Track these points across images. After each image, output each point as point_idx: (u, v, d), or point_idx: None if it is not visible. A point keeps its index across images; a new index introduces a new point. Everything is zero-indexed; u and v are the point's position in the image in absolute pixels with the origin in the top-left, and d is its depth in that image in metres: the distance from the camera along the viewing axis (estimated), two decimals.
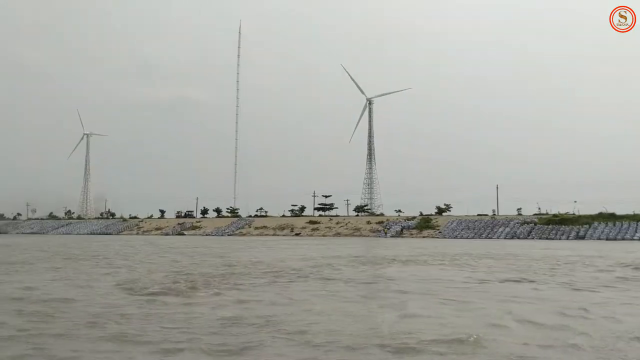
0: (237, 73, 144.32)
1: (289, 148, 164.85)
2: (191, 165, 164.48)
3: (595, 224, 69.95)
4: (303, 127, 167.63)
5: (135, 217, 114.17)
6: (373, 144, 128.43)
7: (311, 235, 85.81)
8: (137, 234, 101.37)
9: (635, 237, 63.92)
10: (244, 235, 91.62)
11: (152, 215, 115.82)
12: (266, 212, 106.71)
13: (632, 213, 71.71)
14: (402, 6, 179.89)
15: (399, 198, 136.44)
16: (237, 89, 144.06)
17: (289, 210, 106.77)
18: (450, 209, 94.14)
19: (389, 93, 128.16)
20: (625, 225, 67.63)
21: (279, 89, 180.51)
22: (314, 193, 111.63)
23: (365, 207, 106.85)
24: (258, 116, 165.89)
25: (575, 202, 79.66)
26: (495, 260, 26.72)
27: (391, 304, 12.52)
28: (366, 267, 22.44)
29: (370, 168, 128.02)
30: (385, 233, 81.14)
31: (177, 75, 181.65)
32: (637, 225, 66.95)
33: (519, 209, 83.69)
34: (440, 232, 78.45)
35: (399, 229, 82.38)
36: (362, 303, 13.12)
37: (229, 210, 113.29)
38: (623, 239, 64.29)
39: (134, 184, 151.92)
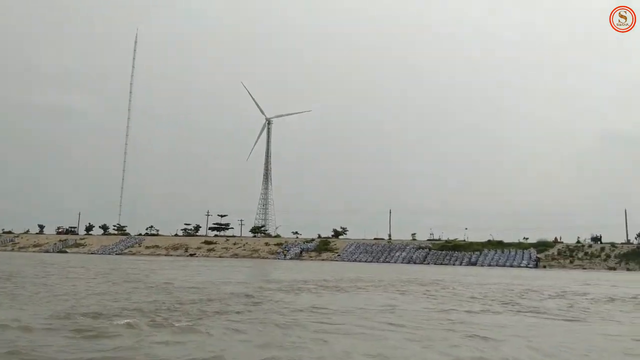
0: (131, 84, 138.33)
1: (183, 165, 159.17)
2: (73, 177, 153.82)
3: (486, 250, 73.50)
4: (198, 144, 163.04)
5: (9, 232, 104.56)
6: (270, 164, 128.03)
7: (207, 256, 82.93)
8: (12, 250, 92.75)
9: (522, 265, 67.77)
10: (134, 254, 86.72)
11: (28, 230, 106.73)
12: (157, 230, 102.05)
13: (518, 241, 76.20)
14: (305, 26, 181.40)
15: (295, 219, 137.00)
16: (130, 100, 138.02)
17: (182, 230, 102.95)
18: (347, 232, 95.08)
19: (289, 114, 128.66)
20: (513, 252, 71.62)
21: (175, 102, 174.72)
22: (208, 212, 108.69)
23: (262, 228, 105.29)
24: (151, 130, 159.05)
25: (466, 229, 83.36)
26: (425, 285, 26.64)
27: None
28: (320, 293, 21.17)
29: (267, 188, 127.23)
30: (285, 255, 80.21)
31: (59, 81, 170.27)
32: (522, 253, 71.07)
33: (413, 234, 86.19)
34: (339, 255, 78.85)
35: (298, 251, 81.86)
36: None
37: (116, 228, 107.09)
38: (511, 265, 67.95)
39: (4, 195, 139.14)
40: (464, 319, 13.74)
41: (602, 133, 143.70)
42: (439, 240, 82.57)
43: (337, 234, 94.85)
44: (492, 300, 19.32)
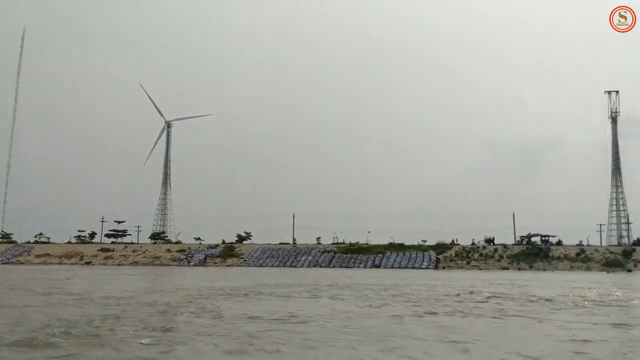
0: (17, 82, 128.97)
1: (75, 170, 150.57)
2: None
3: (388, 253, 75.79)
4: (92, 147, 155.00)
5: None
6: (170, 168, 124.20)
7: (104, 265, 79.04)
8: None
9: (422, 266, 70.53)
10: (23, 263, 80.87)
11: None
12: (48, 238, 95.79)
13: (418, 244, 79.30)
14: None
15: (197, 225, 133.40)
16: (16, 100, 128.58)
17: (75, 237, 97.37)
18: (251, 237, 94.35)
19: (190, 117, 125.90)
20: (414, 255, 74.37)
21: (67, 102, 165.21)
22: (103, 218, 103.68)
23: (162, 235, 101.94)
24: (39, 133, 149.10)
25: (369, 232, 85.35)
26: (359, 290, 26.97)
27: None
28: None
29: (165, 193, 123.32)
30: (188, 262, 78.18)
31: None
32: (423, 255, 74.01)
33: (318, 238, 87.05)
34: (245, 260, 78.03)
35: (202, 257, 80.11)
36: None
37: (0, 236, 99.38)
38: (413, 267, 70.53)
39: None
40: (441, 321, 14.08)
41: (486, 141, 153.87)
42: (343, 243, 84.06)
43: (241, 239, 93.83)
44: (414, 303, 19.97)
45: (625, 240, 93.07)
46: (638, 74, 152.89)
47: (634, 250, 68.99)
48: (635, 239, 79.06)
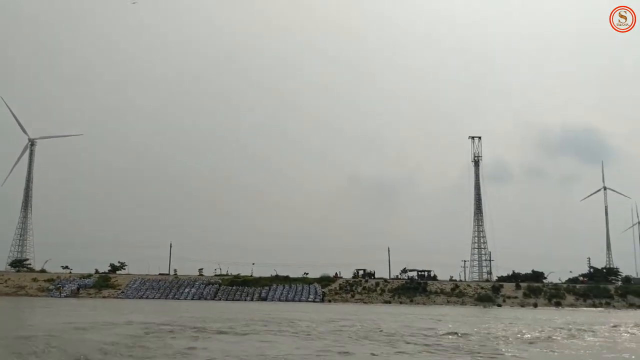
0: None
1: None
2: None
3: (274, 285, 75.68)
4: None
5: None
6: (31, 189, 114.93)
7: None
8: None
9: (309, 299, 71.33)
10: None
11: None
12: None
13: (302, 276, 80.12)
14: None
15: (62, 253, 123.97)
16: None
17: None
18: (126, 266, 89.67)
19: (58, 136, 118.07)
20: (300, 287, 74.93)
21: None
22: None
23: (25, 262, 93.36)
24: None
25: (253, 264, 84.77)
26: (295, 325, 26.82)
27: None
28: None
29: (26, 217, 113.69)
30: (60, 292, 72.39)
31: None
32: (309, 288, 74.82)
33: (200, 270, 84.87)
34: (123, 292, 73.83)
35: (74, 287, 74.62)
36: None
37: None
38: (300, 300, 71.10)
39: None
40: None
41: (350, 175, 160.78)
42: (227, 275, 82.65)
43: (115, 268, 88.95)
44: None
45: (486, 276, 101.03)
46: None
47: (502, 286, 75.04)
48: (500, 275, 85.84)
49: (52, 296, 71.22)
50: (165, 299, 71.49)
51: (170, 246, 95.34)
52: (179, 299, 71.39)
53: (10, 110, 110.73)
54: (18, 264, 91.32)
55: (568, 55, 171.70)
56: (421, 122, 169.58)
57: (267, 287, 75.19)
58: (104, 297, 71.98)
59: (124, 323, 26.24)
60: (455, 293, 73.07)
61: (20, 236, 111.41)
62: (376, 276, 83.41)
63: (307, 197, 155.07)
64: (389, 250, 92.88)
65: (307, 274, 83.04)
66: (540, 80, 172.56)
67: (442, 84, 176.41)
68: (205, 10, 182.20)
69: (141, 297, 71.77)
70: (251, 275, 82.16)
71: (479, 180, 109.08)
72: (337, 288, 75.53)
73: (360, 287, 75.71)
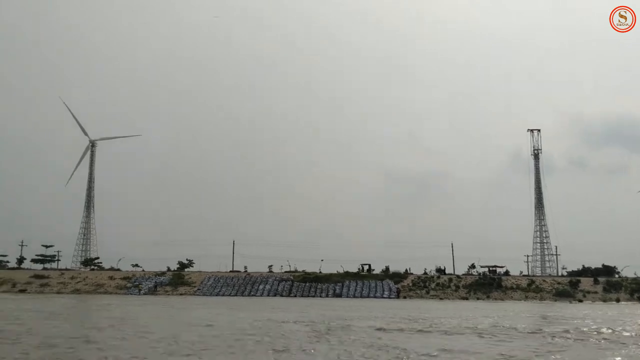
0: None
1: None
2: None
3: (346, 282, 75.78)
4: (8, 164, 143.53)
5: None
6: (94, 189, 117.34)
7: (41, 292, 73.02)
8: None
9: (384, 295, 71.28)
10: None
11: None
12: None
13: (371, 273, 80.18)
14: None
15: (124, 251, 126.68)
16: None
17: None
18: (193, 264, 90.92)
19: (116, 137, 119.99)
20: (373, 284, 74.90)
21: None
22: (22, 242, 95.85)
23: (96, 260, 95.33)
24: None
25: (322, 260, 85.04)
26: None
27: None
28: None
29: (88, 217, 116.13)
30: (139, 290, 73.88)
31: None
32: (382, 284, 74.73)
33: (270, 266, 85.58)
34: (199, 289, 74.91)
35: (151, 285, 76.01)
36: None
37: None
38: (374, 296, 71.07)
39: None
40: None
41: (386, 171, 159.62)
42: (296, 272, 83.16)
43: (183, 266, 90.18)
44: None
45: (561, 271, 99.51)
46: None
47: (579, 281, 73.77)
48: (578, 268, 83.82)
49: (130, 294, 72.71)
50: (241, 295, 72.29)
51: (233, 244, 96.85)
52: (254, 295, 72.09)
53: (72, 113, 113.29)
54: (89, 263, 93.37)
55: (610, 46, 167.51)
56: (460, 115, 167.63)
57: (339, 284, 75.36)
58: (180, 294, 73.11)
59: (288, 321, 26.53)
60: (532, 288, 72.17)
61: (84, 235, 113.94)
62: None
63: (345, 193, 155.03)
64: (452, 247, 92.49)
65: (373, 269, 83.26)
66: (583, 71, 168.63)
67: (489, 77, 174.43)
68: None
69: (217, 294, 72.67)
70: (320, 272, 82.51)
71: (539, 173, 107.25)
72: (411, 284, 75.29)
73: (433, 283, 75.36)
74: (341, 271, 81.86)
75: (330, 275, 79.43)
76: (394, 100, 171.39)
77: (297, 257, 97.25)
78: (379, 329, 22.49)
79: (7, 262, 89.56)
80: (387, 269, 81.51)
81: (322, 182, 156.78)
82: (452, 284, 74.62)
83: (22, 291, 73.74)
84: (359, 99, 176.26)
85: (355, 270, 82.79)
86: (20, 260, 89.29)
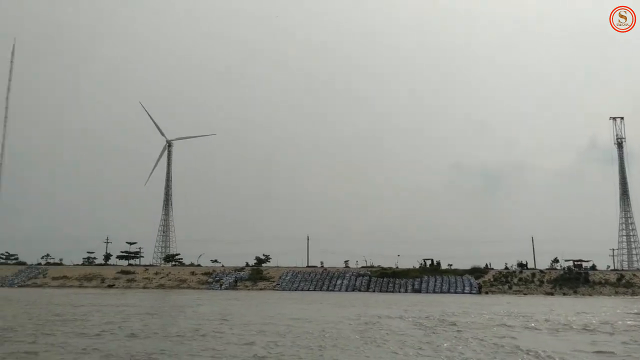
0: (7, 99, 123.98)
1: (67, 188, 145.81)
2: None
3: (426, 277, 74.82)
4: (87, 164, 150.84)
5: None
6: (171, 188, 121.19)
7: (128, 287, 76.05)
8: None
9: (465, 291, 69.87)
10: (40, 286, 77.10)
11: None
12: (61, 259, 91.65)
13: (451, 268, 78.84)
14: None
15: (203, 247, 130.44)
16: (6, 117, 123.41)
17: (85, 259, 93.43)
18: (270, 259, 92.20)
19: (192, 137, 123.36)
20: (452, 279, 73.59)
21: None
22: (107, 239, 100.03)
23: (177, 256, 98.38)
24: (31, 151, 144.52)
25: (398, 255, 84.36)
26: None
27: None
28: None
29: (167, 214, 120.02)
30: (220, 285, 75.70)
31: None
32: (462, 279, 73.32)
33: (346, 261, 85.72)
34: (278, 284, 75.94)
35: (232, 280, 77.67)
36: None
37: (4, 257, 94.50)
38: (455, 292, 69.83)
39: None
40: None
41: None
42: (372, 267, 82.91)
43: (260, 261, 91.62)
44: None
45: (639, 265, 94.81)
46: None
47: None
48: None
49: (212, 288, 74.55)
50: (319, 290, 72.77)
51: (308, 239, 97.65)
52: (332, 290, 72.41)
53: (149, 115, 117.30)
54: (171, 259, 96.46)
55: None
56: (533, 101, 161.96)
57: (417, 279, 74.54)
58: (260, 289, 74.36)
59: (391, 317, 26.44)
60: (622, 283, 68.87)
61: (164, 232, 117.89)
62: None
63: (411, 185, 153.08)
64: (532, 240, 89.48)
65: (450, 265, 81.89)
66: None
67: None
68: None
69: (296, 289, 73.44)
70: (397, 267, 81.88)
71: (623, 163, 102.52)
72: (492, 279, 73.48)
73: (516, 278, 73.25)
74: (426, 266, 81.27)
75: (408, 270, 78.70)
76: (464, 86, 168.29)
77: (365, 252, 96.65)
78: (487, 326, 21.97)
79: (95, 258, 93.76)
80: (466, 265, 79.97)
81: (390, 175, 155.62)
82: (535, 279, 72.28)
83: (111, 286, 77.00)
84: (426, 87, 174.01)
85: (417, 265, 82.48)
86: (107, 257, 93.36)
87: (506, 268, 78.76)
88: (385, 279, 75.20)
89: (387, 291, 71.69)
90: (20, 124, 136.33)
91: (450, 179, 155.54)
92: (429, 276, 75.07)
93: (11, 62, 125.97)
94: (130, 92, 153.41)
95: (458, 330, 20.47)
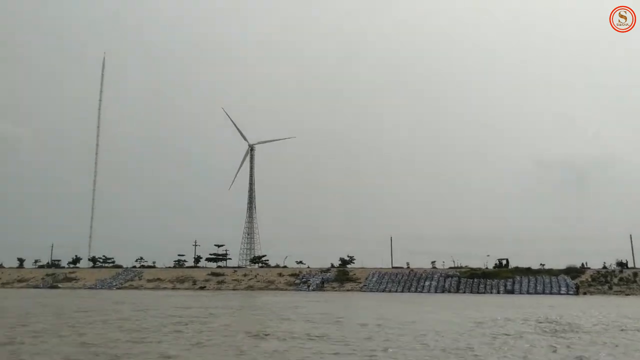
0: (99, 109, 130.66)
1: (156, 194, 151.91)
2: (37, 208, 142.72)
3: (518, 278, 72.45)
4: (174, 171, 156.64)
5: None
6: (254, 192, 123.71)
7: (219, 289, 78.03)
8: None
9: (562, 292, 67.05)
10: (136, 288, 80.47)
11: (1, 264, 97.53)
12: (154, 262, 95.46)
13: (544, 268, 75.96)
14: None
15: (285, 249, 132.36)
16: (98, 127, 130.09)
17: (175, 261, 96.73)
18: (354, 260, 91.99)
19: (273, 140, 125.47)
20: (547, 279, 70.87)
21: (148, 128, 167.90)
22: (195, 242, 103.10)
23: (263, 258, 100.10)
24: (121, 161, 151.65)
25: (488, 255, 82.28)
26: None
27: None
28: None
29: (251, 217, 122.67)
30: (308, 286, 76.34)
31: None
32: (557, 279, 70.49)
33: (433, 262, 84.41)
34: (365, 285, 75.72)
35: (318, 281, 78.15)
36: None
37: (101, 260, 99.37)
38: (550, 293, 67.09)
39: None
40: None
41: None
42: (461, 267, 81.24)
43: (344, 262, 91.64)
44: None
45: None
46: None
47: None
48: None
49: (300, 290, 75.24)
50: (407, 291, 71.99)
51: (391, 240, 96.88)
52: (421, 292, 71.37)
53: (232, 121, 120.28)
54: (257, 260, 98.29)
55: None
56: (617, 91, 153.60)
57: (510, 280, 72.28)
58: (347, 290, 74.38)
59: (510, 319, 25.72)
60: None
61: (248, 235, 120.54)
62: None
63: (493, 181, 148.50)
64: (630, 238, 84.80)
65: (543, 265, 78.83)
66: None
67: None
68: None
69: (383, 290, 72.96)
70: (486, 267, 79.86)
71: None
72: (589, 280, 70.22)
73: (616, 278, 69.66)
74: (518, 266, 78.81)
75: (499, 271, 76.53)
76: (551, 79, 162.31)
77: (447, 252, 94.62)
78: (620, 330, 20.85)
79: (185, 261, 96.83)
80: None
81: (469, 175, 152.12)
82: (637, 279, 68.45)
83: (202, 288, 79.28)
84: (508, 79, 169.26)
85: (491, 266, 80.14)
86: (197, 259, 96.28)
87: (604, 267, 75.11)
88: (475, 280, 73.44)
89: (477, 292, 69.93)
90: (110, 132, 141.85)
91: (533, 176, 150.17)
92: (522, 277, 72.64)
93: (102, 75, 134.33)
94: (211, 97, 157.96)
95: (577, 331, 19.44)
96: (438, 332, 20.14)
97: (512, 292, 69.06)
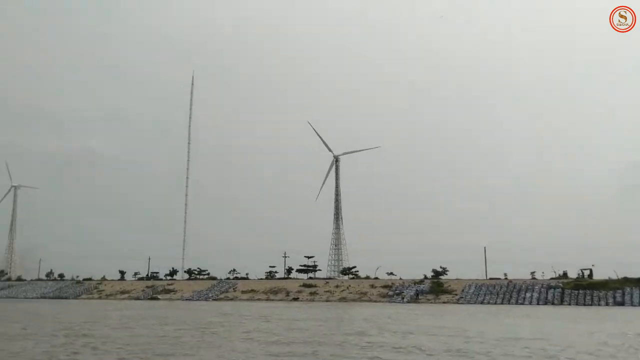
0: (189, 126, 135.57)
1: (246, 206, 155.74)
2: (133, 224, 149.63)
3: (627, 289, 68.07)
4: (262, 184, 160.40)
5: (89, 279, 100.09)
6: (340, 202, 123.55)
7: (312, 300, 78.22)
8: (100, 298, 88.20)
9: None
10: (232, 299, 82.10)
11: (104, 277, 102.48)
12: (247, 274, 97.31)
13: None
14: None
15: (368, 260, 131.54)
16: (189, 142, 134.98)
17: (267, 272, 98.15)
18: (447, 271, 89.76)
19: (357, 151, 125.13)
20: None
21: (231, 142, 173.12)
22: (285, 254, 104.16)
23: (353, 269, 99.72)
24: (209, 173, 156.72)
25: (592, 265, 77.94)
26: None
27: None
28: None
29: (338, 228, 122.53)
30: (403, 298, 75.09)
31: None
32: None
33: (532, 273, 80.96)
34: (462, 297, 73.54)
35: (412, 293, 76.68)
36: None
37: (196, 272, 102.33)
38: None
39: (64, 241, 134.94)
40: None
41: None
42: (563, 277, 77.43)
43: (437, 273, 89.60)
44: None
45: None
46: None
47: None
48: None
49: (394, 302, 74.09)
50: (507, 303, 69.25)
51: (485, 250, 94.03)
52: (522, 304, 68.45)
53: (317, 134, 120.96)
54: (347, 272, 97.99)
55: None
56: None
57: (619, 291, 68.00)
58: (443, 302, 72.47)
59: None
60: None
61: (335, 246, 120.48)
62: None
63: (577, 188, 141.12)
64: None
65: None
66: None
67: None
68: None
69: (481, 302, 70.60)
70: (591, 277, 75.63)
71: None
72: None
73: None
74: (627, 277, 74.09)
75: (606, 281, 72.20)
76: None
77: (542, 261, 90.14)
78: None
79: (276, 272, 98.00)
80: None
81: (557, 184, 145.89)
82: None
83: (295, 299, 79.77)
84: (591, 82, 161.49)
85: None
86: (289, 270, 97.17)
87: None
88: (581, 291, 69.61)
89: (584, 304, 66.22)
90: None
91: (627, 180, 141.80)
92: (632, 287, 68.14)
93: (191, 92, 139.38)
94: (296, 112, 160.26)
95: None
96: (612, 345, 18.84)
97: (622, 303, 64.91)
